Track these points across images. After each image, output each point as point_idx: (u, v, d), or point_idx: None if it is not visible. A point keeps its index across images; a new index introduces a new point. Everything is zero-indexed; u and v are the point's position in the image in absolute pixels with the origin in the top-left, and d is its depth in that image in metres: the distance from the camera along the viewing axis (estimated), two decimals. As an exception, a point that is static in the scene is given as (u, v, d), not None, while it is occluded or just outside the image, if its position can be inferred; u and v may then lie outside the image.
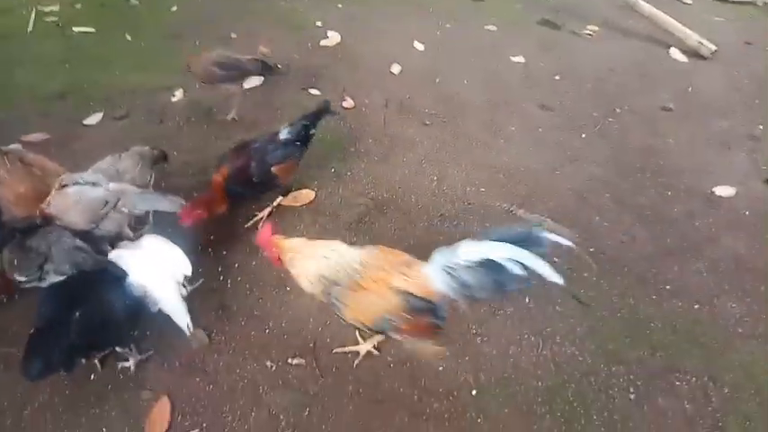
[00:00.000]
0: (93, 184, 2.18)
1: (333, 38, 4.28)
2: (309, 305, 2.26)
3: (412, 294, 1.71)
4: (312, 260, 1.80)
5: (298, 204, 2.76)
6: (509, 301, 2.37)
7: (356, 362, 2.09)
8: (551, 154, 3.21)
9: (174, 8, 4.63)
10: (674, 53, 4.25)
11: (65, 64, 3.82)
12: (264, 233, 1.92)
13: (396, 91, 3.69)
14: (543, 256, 1.62)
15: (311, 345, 2.14)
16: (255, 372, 2.03)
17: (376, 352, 2.12)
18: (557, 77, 3.96)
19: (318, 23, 4.44)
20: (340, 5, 4.81)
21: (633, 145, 3.33)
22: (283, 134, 2.56)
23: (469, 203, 2.84)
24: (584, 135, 3.39)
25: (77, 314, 1.75)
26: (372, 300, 1.72)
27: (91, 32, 4.23)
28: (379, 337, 2.09)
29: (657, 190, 3.01)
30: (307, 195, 2.81)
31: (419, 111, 3.51)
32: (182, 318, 1.91)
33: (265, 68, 3.27)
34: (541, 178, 3.02)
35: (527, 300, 2.37)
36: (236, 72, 3.20)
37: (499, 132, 3.38)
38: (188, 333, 1.93)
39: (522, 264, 1.62)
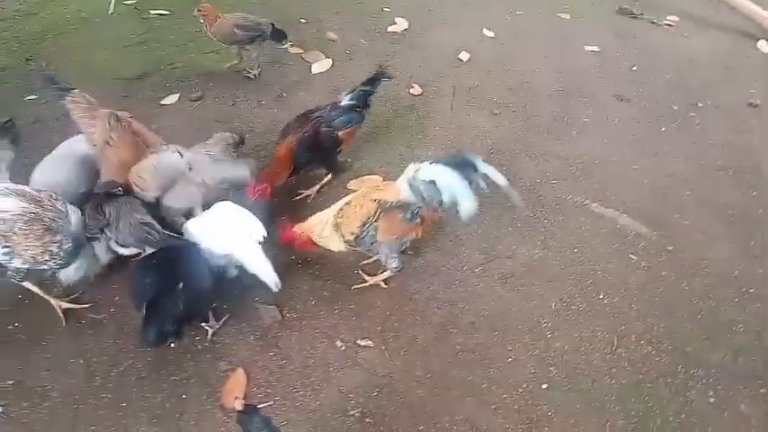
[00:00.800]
0: (173, 152, 2.26)
1: (400, 24, 4.25)
2: (377, 290, 2.28)
3: (383, 200, 2.12)
4: (324, 227, 2.15)
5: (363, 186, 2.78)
6: (582, 296, 2.31)
7: (355, 287, 2.29)
8: (628, 147, 3.10)
9: (247, -8, 4.72)
10: (763, 46, 4.00)
11: (143, 46, 3.96)
12: (285, 232, 2.19)
13: (464, 78, 3.64)
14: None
15: (379, 328, 2.16)
16: (326, 350, 2.07)
17: (384, 285, 2.29)
18: (634, 68, 3.81)
19: (386, 9, 4.42)
20: (409, -9, 4.79)
21: (716, 141, 3.18)
22: (345, 101, 2.69)
23: (540, 195, 2.78)
24: (663, 129, 3.25)
25: (180, 287, 1.85)
26: (356, 211, 2.12)
27: (167, 15, 4.37)
28: (386, 274, 2.27)
29: (741, 189, 2.87)
30: (374, 180, 2.82)
31: (488, 99, 3.45)
32: (269, 276, 1.96)
33: (275, 34, 3.49)
34: (617, 172, 2.93)
35: (601, 296, 2.31)
36: (255, 33, 3.43)
37: (572, 123, 3.28)
38: (275, 289, 1.98)
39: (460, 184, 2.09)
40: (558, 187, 2.83)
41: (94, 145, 2.28)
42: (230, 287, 2.09)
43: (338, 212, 2.14)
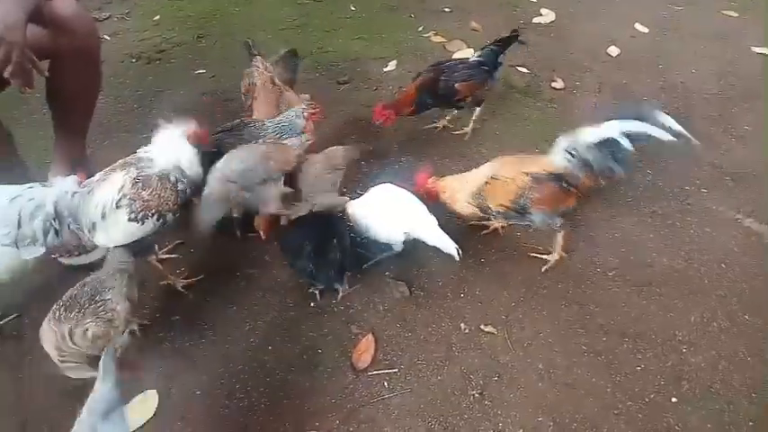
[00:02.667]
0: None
1: (547, 15, 4.16)
2: (503, 280, 2.31)
3: (537, 172, 2.13)
4: (463, 190, 2.21)
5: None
6: (724, 314, 2.17)
7: (544, 268, 2.33)
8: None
9: (395, -20, 4.87)
10: None
11: (297, 30, 4.25)
12: (421, 177, 2.29)
13: (611, 75, 3.50)
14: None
15: (503, 317, 2.19)
16: (450, 330, 2.14)
17: (564, 254, 2.33)
18: (810, 74, 3.42)
19: (533, 0, 4.34)
20: (556, -17, 4.65)
21: None
22: (473, 57, 2.90)
23: (687, 203, 2.62)
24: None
25: (334, 241, 2.12)
26: (508, 184, 2.14)
27: (320, 1, 4.64)
28: (559, 243, 2.31)
29: None
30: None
31: (636, 98, 3.29)
32: (450, 246, 2.12)
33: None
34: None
35: (747, 316, 2.15)
36: None
37: (730, 129, 3.04)
38: (457, 258, 2.12)
39: (633, 134, 2.03)
40: (708, 197, 2.65)
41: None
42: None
43: (485, 185, 2.16)
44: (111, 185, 1.99)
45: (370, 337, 2.09)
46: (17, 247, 1.95)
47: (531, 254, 2.39)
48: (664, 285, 2.27)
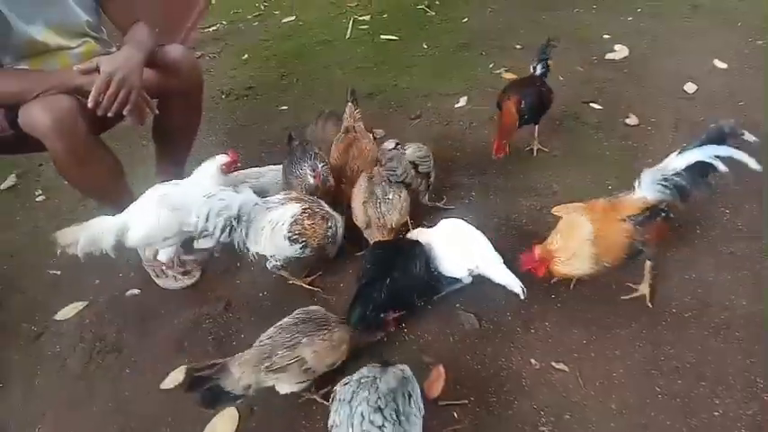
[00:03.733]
0: None
1: (620, 51, 4.17)
2: (573, 316, 2.32)
3: (635, 215, 2.13)
4: (577, 258, 2.16)
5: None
6: None
7: (647, 301, 2.32)
8: None
9: (466, 19, 5.04)
10: None
11: (373, 67, 4.49)
12: (528, 256, 2.21)
13: (688, 111, 3.45)
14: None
15: (575, 355, 2.20)
16: (520, 365, 2.18)
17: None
18: None
19: (606, 36, 4.37)
20: (630, 18, 4.65)
21: None
22: (538, 71, 3.22)
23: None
24: None
25: (388, 280, 2.16)
26: (612, 238, 2.14)
27: (394, 40, 4.87)
28: (648, 274, 2.30)
29: None
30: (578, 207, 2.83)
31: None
32: (516, 285, 2.21)
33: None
34: None
35: None
36: None
37: (817, 170, 2.91)
38: (522, 297, 2.21)
39: (722, 158, 2.08)
40: (793, 240, 2.55)
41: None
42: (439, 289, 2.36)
43: (592, 248, 2.13)
44: (285, 210, 2.35)
45: (441, 367, 2.16)
46: (196, 237, 2.43)
47: (627, 284, 2.38)
48: (743, 329, 2.21)
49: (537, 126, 3.21)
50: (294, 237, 2.32)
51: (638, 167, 2.99)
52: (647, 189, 2.18)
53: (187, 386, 1.82)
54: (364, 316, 2.13)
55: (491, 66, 4.25)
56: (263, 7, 5.97)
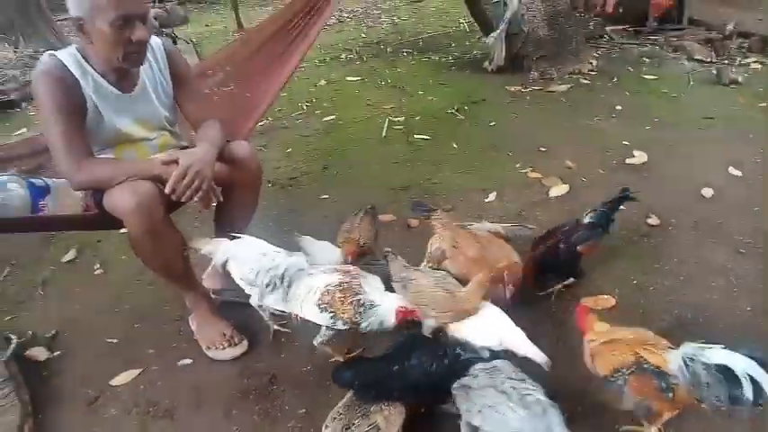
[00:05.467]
0: None
1: (639, 157, 4.48)
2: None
3: (645, 359, 2.04)
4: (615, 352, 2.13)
5: (598, 308, 2.96)
6: None
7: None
8: None
9: (493, 123, 5.48)
10: None
11: (407, 163, 4.86)
12: (582, 310, 2.33)
13: (707, 214, 3.68)
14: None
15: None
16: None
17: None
18: None
19: (625, 143, 4.71)
20: (648, 127, 5.03)
21: None
22: (587, 219, 3.03)
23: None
24: None
25: (395, 368, 2.25)
26: (613, 354, 2.12)
27: (427, 139, 5.29)
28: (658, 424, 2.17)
29: None
30: (608, 301, 3.00)
31: (733, 238, 3.42)
32: (540, 356, 2.27)
33: None
34: None
35: None
36: None
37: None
38: (547, 368, 2.25)
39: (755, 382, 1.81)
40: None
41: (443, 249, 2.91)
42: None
43: (603, 343, 2.17)
44: (324, 279, 2.51)
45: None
46: (246, 287, 2.64)
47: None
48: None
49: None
50: (323, 306, 2.43)
51: (662, 265, 3.25)
52: (675, 357, 2.01)
53: None
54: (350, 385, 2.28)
55: (517, 165, 4.59)
56: (305, 107, 6.53)
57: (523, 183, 4.33)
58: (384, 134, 5.52)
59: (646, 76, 6.42)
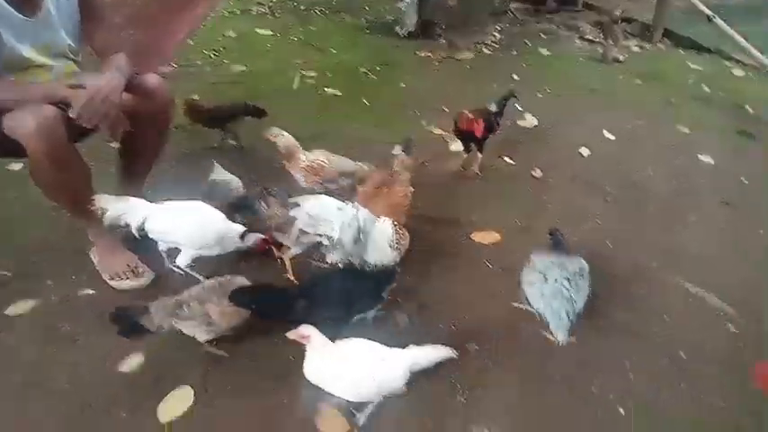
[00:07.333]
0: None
1: (530, 120, 4.93)
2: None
3: None
4: None
5: (485, 242, 3.33)
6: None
7: None
8: (729, 245, 3.38)
9: (402, 84, 5.71)
10: None
11: (317, 116, 4.96)
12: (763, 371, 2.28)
13: (582, 170, 4.16)
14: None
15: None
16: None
17: None
18: (744, 181, 4.09)
19: (519, 108, 5.12)
20: (540, 96, 5.51)
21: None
22: (493, 106, 4.09)
23: (641, 274, 3.14)
24: (761, 231, 3.51)
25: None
26: None
27: (338, 95, 5.41)
28: None
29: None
30: (494, 236, 3.36)
31: (602, 189, 3.92)
32: (444, 350, 2.31)
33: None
34: (716, 264, 3.21)
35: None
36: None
37: (677, 219, 3.63)
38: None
39: None
40: (657, 270, 3.15)
41: None
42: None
43: None
44: (383, 222, 2.78)
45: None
46: (328, 246, 2.71)
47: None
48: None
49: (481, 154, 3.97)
50: (396, 246, 2.73)
51: (542, 210, 3.67)
52: None
53: (111, 318, 2.27)
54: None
55: (423, 123, 4.85)
56: (212, 56, 6.36)
57: (428, 138, 4.60)
58: (295, 86, 5.56)
59: (542, 51, 6.95)
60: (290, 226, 2.74)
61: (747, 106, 5.45)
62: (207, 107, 4.38)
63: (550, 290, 2.48)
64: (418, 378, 2.27)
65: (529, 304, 2.58)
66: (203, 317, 2.31)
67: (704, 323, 2.80)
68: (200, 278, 2.78)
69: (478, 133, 3.80)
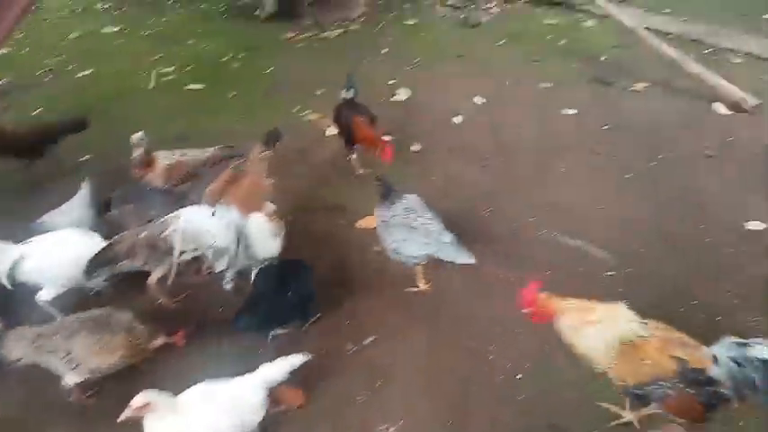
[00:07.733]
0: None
1: (402, 94, 4.91)
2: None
3: (689, 362, 1.78)
4: (595, 327, 1.92)
5: (365, 227, 3.29)
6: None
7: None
8: (599, 191, 3.58)
9: (269, 69, 5.46)
10: (717, 107, 4.54)
11: (181, 114, 4.61)
12: (529, 293, 2.10)
13: (457, 138, 4.22)
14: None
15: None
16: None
17: (637, 425, 2.10)
18: (606, 127, 4.36)
19: (391, 82, 5.10)
20: (410, 67, 5.51)
21: (675, 185, 3.63)
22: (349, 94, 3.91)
23: (516, 230, 3.24)
24: (627, 176, 3.74)
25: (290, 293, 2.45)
26: (646, 361, 1.82)
27: (201, 89, 5.06)
28: (646, 411, 2.05)
29: (689, 223, 3.28)
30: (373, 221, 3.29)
31: (478, 155, 4.00)
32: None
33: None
34: (589, 211, 3.38)
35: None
36: None
37: (550, 173, 3.79)
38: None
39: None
40: (535, 224, 3.28)
41: None
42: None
43: (628, 344, 1.87)
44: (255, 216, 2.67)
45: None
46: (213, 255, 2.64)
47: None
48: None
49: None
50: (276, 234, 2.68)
51: (423, 183, 3.65)
52: (720, 357, 1.80)
53: None
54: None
55: (296, 110, 4.67)
56: (52, 64, 5.72)
57: (301, 124, 4.45)
58: (152, 85, 5.13)
59: (407, 22, 6.95)
60: (167, 255, 2.58)
61: (601, 55, 5.74)
62: (10, 131, 3.71)
63: (423, 233, 2.65)
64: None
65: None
66: (64, 352, 2.02)
67: (585, 273, 2.93)
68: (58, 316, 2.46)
69: (388, 158, 3.50)
